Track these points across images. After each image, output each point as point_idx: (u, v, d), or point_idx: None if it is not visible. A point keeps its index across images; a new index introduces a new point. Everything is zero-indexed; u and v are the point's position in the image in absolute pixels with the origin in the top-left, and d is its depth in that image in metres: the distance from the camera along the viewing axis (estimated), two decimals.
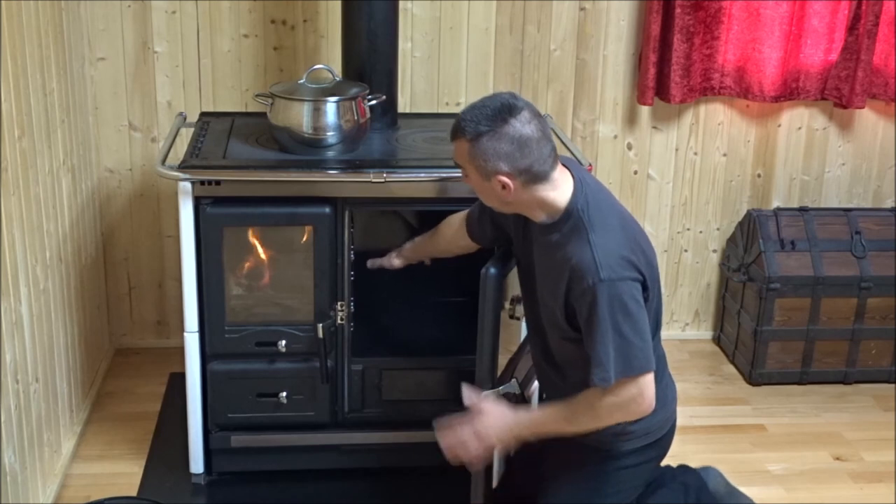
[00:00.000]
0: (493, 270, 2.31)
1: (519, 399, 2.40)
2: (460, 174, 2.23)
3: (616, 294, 2.05)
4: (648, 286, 2.14)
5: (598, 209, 2.16)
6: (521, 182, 2.11)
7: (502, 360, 2.50)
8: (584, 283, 2.06)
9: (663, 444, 2.36)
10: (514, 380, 2.42)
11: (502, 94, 2.14)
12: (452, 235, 2.60)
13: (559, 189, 2.16)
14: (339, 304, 2.69)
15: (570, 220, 2.14)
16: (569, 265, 2.10)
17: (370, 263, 2.75)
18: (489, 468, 2.42)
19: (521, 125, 2.08)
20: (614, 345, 2.05)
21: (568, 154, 2.96)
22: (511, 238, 2.38)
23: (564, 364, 2.28)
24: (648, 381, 2.10)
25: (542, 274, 2.23)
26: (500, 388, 2.38)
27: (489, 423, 2.21)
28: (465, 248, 2.60)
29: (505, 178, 2.10)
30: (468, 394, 2.29)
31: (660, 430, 2.31)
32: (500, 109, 2.08)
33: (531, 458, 2.45)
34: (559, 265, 2.13)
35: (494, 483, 2.48)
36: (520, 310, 2.62)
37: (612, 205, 2.23)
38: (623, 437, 2.24)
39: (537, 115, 2.12)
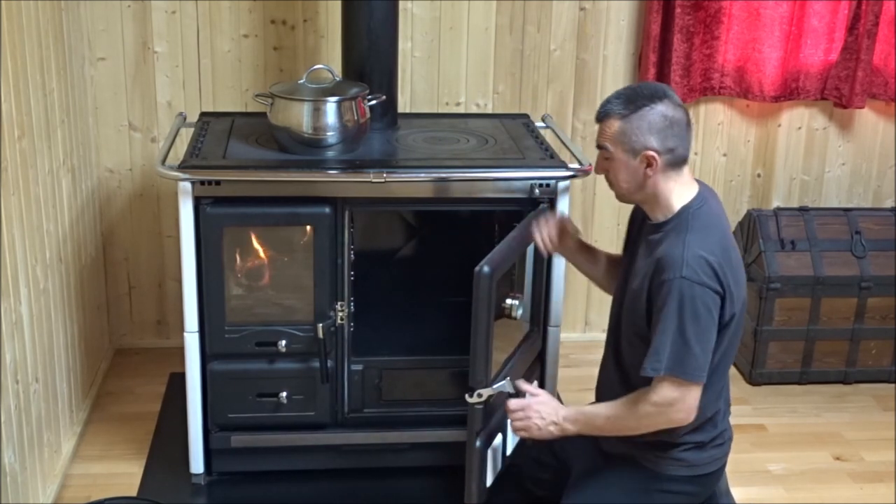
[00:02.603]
0: (486, 269, 2.31)
1: (513, 397, 2.41)
2: (606, 157, 2.25)
3: (690, 295, 2.10)
4: (727, 303, 2.15)
5: (706, 218, 2.21)
6: (665, 161, 2.19)
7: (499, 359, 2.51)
8: (664, 276, 2.13)
9: (706, 484, 2.37)
10: (507, 379, 2.43)
11: (654, 83, 2.29)
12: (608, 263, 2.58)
13: (685, 187, 2.24)
14: (339, 304, 2.69)
15: (678, 219, 2.22)
16: (658, 256, 2.17)
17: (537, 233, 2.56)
18: (483, 466, 2.43)
19: (672, 108, 2.19)
20: (673, 342, 2.11)
21: (568, 154, 2.96)
22: None
23: (631, 369, 2.28)
24: (695, 390, 2.15)
25: (638, 268, 2.27)
26: (494, 385, 2.39)
27: (542, 407, 2.33)
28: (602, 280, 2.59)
29: (653, 153, 2.18)
30: (522, 385, 2.41)
31: (708, 466, 2.33)
32: (654, 92, 2.20)
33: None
34: (652, 258, 2.21)
35: (489, 482, 2.49)
36: (517, 310, 2.62)
37: (721, 223, 2.27)
38: (673, 461, 2.29)
39: (684, 106, 2.23)
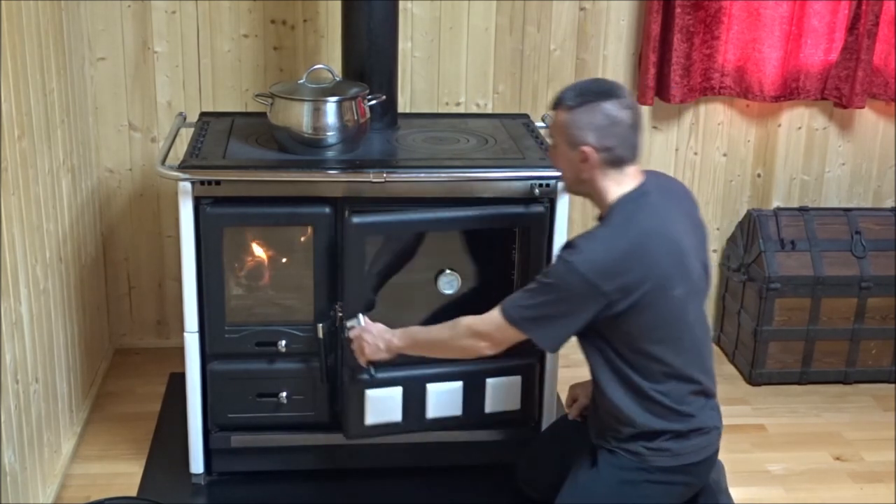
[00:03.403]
0: (355, 219, 2.49)
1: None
2: (553, 145, 2.35)
3: (567, 277, 2.18)
4: (617, 298, 2.18)
5: (633, 214, 2.23)
6: (601, 159, 2.23)
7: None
8: (562, 251, 2.23)
9: (696, 473, 2.38)
10: (362, 315, 2.59)
11: (610, 80, 2.37)
12: None
13: (622, 185, 2.26)
14: (338, 304, 2.69)
15: (606, 215, 2.27)
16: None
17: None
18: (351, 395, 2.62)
19: (618, 109, 2.22)
20: (530, 295, 2.25)
21: None
22: None
23: (595, 378, 2.37)
24: (510, 332, 2.28)
25: None
26: (351, 320, 2.58)
27: (373, 328, 2.54)
28: None
29: (589, 150, 2.22)
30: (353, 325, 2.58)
31: (693, 454, 2.34)
32: (604, 89, 2.24)
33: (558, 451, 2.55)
34: None
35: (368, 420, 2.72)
36: (446, 286, 2.71)
37: (652, 222, 2.25)
38: (657, 452, 2.32)
39: (636, 109, 2.27)
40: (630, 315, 2.20)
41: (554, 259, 2.24)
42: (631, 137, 2.24)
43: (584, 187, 2.31)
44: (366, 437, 2.77)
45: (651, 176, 2.33)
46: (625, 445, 2.34)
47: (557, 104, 2.27)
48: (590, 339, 2.30)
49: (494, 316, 2.29)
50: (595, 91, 2.24)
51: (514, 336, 2.30)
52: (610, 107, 2.21)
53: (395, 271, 2.80)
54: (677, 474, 2.35)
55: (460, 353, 2.45)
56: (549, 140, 2.36)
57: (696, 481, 2.41)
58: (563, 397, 2.77)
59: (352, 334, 2.57)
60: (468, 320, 2.36)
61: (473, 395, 2.75)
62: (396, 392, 2.71)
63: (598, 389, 2.35)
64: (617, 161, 2.24)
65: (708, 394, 2.37)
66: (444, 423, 2.80)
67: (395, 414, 2.74)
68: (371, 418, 2.73)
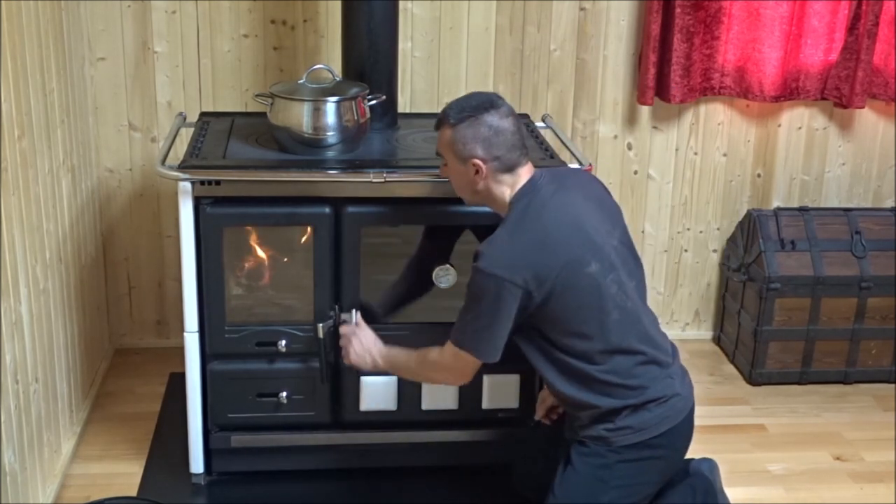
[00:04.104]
0: (350, 209, 2.58)
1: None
2: (444, 164, 2.43)
3: (479, 282, 2.27)
4: (533, 285, 2.25)
5: (525, 212, 2.32)
6: (492, 168, 2.34)
7: None
8: (472, 263, 2.30)
9: (664, 445, 2.38)
10: (355, 311, 2.65)
11: (485, 92, 2.44)
12: None
13: (515, 186, 2.37)
14: (338, 304, 2.69)
15: (506, 215, 2.36)
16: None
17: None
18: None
19: (499, 118, 2.33)
20: (461, 317, 2.35)
21: (568, 154, 2.96)
22: None
23: (541, 374, 2.47)
24: (469, 360, 2.36)
25: None
26: (343, 315, 2.64)
27: (364, 337, 2.61)
28: None
29: (479, 162, 2.33)
30: (360, 320, 2.65)
31: (658, 426, 2.36)
32: (482, 102, 2.35)
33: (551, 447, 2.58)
34: None
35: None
36: (442, 280, 2.71)
37: (547, 212, 2.32)
38: (620, 431, 2.35)
39: (515, 115, 2.38)
40: (551, 301, 2.27)
41: (471, 276, 2.31)
42: (516, 142, 2.34)
43: (479, 197, 2.41)
44: (360, 426, 2.80)
45: (544, 171, 2.42)
46: (589, 432, 2.38)
47: (440, 123, 2.37)
48: (524, 337, 2.37)
49: (447, 346, 2.40)
50: (474, 105, 2.33)
51: (471, 362, 2.38)
52: (490, 118, 2.31)
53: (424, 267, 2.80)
54: (645, 449, 2.36)
55: (432, 382, 2.66)
56: (439, 158, 2.45)
57: (669, 454, 2.42)
58: None
59: (343, 330, 2.63)
60: (433, 355, 2.46)
61: (470, 390, 2.75)
62: (391, 381, 2.75)
63: (547, 383, 2.43)
64: (508, 166, 2.34)
65: (660, 363, 2.38)
66: (439, 416, 2.81)
67: (389, 402, 2.77)
68: (366, 404, 2.77)
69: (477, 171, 2.34)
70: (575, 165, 2.75)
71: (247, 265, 2.82)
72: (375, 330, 2.63)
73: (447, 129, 2.35)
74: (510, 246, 2.28)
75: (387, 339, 2.69)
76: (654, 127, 3.56)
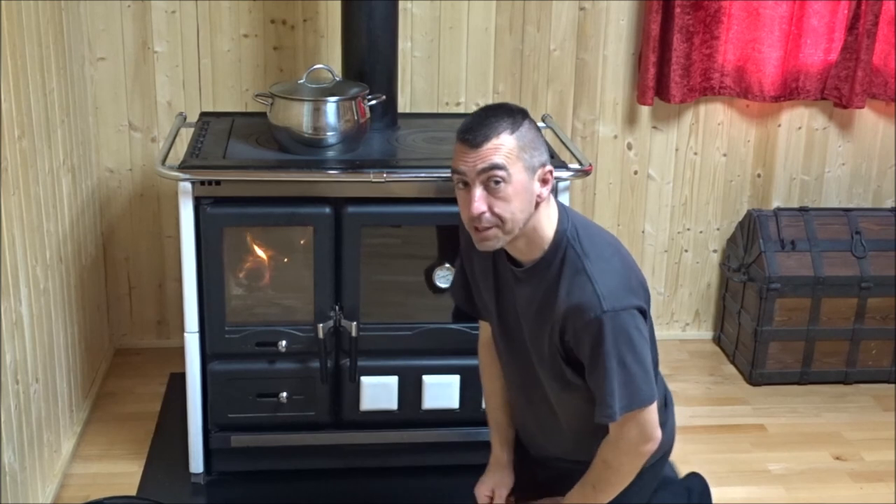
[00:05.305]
0: (350, 209, 2.55)
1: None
2: (497, 182, 1.92)
3: (620, 325, 1.92)
4: (648, 313, 2.02)
5: (588, 236, 2.02)
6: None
7: None
8: (585, 318, 1.93)
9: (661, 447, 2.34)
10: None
11: (507, 102, 2.05)
12: (488, 360, 2.36)
13: (549, 209, 2.02)
14: (339, 304, 2.69)
15: (559, 253, 2.00)
16: (566, 304, 1.96)
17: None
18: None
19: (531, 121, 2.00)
20: (619, 380, 1.94)
21: (568, 155, 2.96)
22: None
23: (567, 417, 2.16)
24: (650, 413, 2.00)
25: (533, 323, 2.06)
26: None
27: None
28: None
29: (550, 168, 1.97)
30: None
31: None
32: (518, 108, 1.99)
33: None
34: (553, 307, 1.98)
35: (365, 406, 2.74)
36: (441, 279, 2.69)
37: (599, 230, 2.10)
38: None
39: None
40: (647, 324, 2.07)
41: (594, 329, 1.93)
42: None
43: (527, 226, 1.98)
44: (360, 426, 2.80)
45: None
46: (575, 465, 2.17)
47: (491, 132, 1.91)
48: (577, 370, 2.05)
49: (620, 426, 1.99)
50: (515, 110, 1.96)
51: (650, 414, 2.00)
52: (529, 121, 1.98)
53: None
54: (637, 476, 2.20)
55: (632, 474, 2.08)
56: (491, 182, 1.91)
57: (663, 456, 2.28)
58: None
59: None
60: (607, 452, 2.04)
61: (471, 390, 2.75)
62: (392, 381, 2.75)
63: (572, 428, 2.15)
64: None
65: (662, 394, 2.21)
66: (439, 416, 2.81)
67: (390, 402, 2.77)
68: (366, 404, 2.76)
69: (545, 181, 1.96)
70: (575, 165, 2.75)
71: (247, 265, 2.82)
72: (365, 328, 2.60)
73: (506, 135, 1.90)
74: (610, 273, 1.97)
75: (387, 339, 2.70)
76: (654, 127, 3.56)
